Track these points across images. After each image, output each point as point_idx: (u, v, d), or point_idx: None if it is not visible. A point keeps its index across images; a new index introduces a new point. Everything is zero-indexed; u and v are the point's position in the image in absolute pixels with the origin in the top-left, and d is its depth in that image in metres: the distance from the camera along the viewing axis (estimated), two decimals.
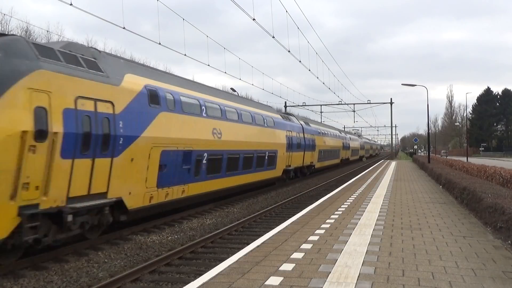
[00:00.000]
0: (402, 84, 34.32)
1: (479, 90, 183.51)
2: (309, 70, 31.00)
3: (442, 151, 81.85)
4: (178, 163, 12.36)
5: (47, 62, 8.33)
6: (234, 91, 37.59)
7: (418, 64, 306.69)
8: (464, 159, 38.68)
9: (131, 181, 10.36)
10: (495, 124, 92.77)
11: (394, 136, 78.54)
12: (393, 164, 43.62)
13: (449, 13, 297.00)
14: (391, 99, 60.80)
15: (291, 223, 8.41)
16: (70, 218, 8.42)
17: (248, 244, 7.09)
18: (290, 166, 24.35)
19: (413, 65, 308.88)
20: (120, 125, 9.81)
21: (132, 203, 10.46)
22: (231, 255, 6.04)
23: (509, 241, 6.51)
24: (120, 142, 9.77)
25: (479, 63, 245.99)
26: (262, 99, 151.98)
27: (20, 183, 7.44)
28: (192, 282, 4.79)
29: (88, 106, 8.97)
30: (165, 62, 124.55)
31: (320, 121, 56.35)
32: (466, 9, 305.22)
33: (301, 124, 27.93)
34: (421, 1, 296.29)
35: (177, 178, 12.42)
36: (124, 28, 14.71)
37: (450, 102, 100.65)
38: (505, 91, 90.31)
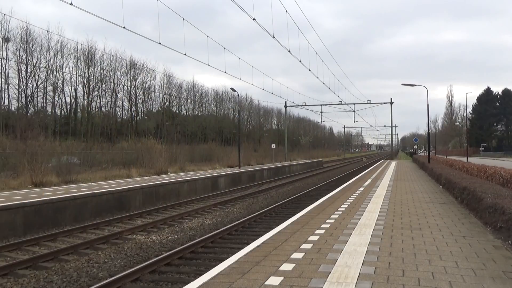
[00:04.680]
0: (402, 84, 34.23)
1: (478, 90, 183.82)
2: (309, 70, 31.04)
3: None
4: None
5: None
6: (234, 91, 37.59)
7: (417, 65, 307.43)
8: (464, 159, 38.65)
9: None
10: (495, 124, 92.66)
11: (394, 136, 78.48)
12: (393, 164, 43.60)
13: (447, 14, 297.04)
14: (391, 99, 60.83)
15: (291, 223, 8.40)
16: None
17: (248, 244, 7.08)
18: None
19: (412, 66, 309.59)
20: None
21: None
22: (231, 255, 6.03)
23: (509, 241, 6.51)
24: None
25: (478, 63, 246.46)
26: (262, 99, 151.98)
27: None
28: (192, 282, 4.78)
29: None
30: (165, 62, 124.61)
31: (320, 121, 56.24)
32: (463, 10, 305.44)
33: None
34: (418, 2, 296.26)
35: None
36: (124, 27, 14.71)
37: (450, 102, 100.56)
38: (505, 91, 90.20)
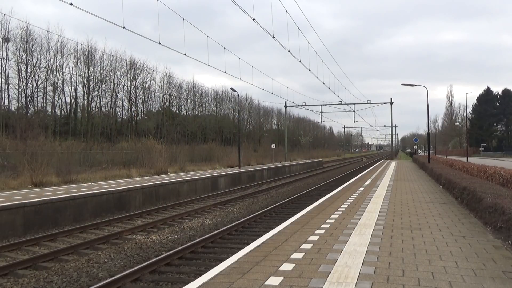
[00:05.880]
0: (402, 84, 34.19)
1: (478, 90, 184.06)
2: (309, 70, 31.06)
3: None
4: None
5: None
6: (234, 91, 37.58)
7: (416, 65, 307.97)
8: (464, 159, 38.65)
9: None
10: (495, 124, 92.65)
11: (394, 136, 78.48)
12: (393, 164, 43.60)
13: (447, 14, 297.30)
14: (391, 99, 60.81)
15: (291, 223, 8.40)
16: None
17: (248, 244, 7.08)
18: None
19: (412, 66, 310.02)
20: None
21: None
22: (231, 255, 6.03)
23: (509, 241, 6.51)
24: None
25: (478, 63, 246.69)
26: (262, 99, 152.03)
27: None
28: (192, 282, 4.78)
29: None
30: (165, 62, 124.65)
31: (320, 121, 56.32)
32: (463, 10, 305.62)
33: None
34: (418, 2, 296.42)
35: None
36: (124, 28, 14.71)
37: (450, 102, 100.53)
38: (505, 91, 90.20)
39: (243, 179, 28.19)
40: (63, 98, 51.23)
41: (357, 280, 4.65)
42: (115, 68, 55.32)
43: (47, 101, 48.54)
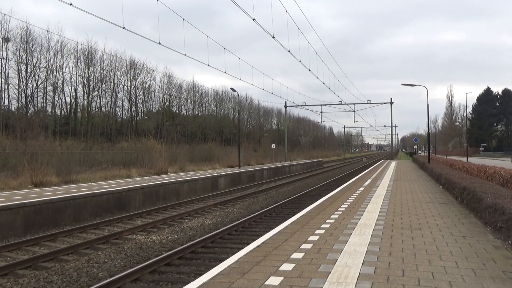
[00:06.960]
0: (402, 84, 34.12)
1: (478, 90, 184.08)
2: (309, 70, 31.09)
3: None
4: None
5: None
6: (234, 91, 37.58)
7: (416, 65, 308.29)
8: (464, 159, 38.65)
9: None
10: (495, 124, 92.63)
11: (394, 136, 78.50)
12: (393, 164, 43.59)
13: (447, 14, 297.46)
14: (391, 99, 60.83)
15: (291, 223, 8.40)
16: None
17: (248, 244, 7.08)
18: None
19: (412, 66, 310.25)
20: None
21: None
22: (231, 255, 6.03)
23: (509, 241, 6.51)
24: None
25: (478, 63, 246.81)
26: (262, 99, 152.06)
27: None
28: (192, 282, 4.78)
29: None
30: (165, 62, 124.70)
31: (320, 121, 56.31)
32: (463, 11, 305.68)
33: None
34: (418, 3, 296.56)
35: None
36: (124, 28, 14.72)
37: (450, 102, 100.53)
38: (505, 91, 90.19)
39: (243, 179, 28.19)
40: (63, 98, 51.25)
41: (357, 280, 4.65)
42: (115, 68, 55.35)
43: (47, 101, 48.56)
